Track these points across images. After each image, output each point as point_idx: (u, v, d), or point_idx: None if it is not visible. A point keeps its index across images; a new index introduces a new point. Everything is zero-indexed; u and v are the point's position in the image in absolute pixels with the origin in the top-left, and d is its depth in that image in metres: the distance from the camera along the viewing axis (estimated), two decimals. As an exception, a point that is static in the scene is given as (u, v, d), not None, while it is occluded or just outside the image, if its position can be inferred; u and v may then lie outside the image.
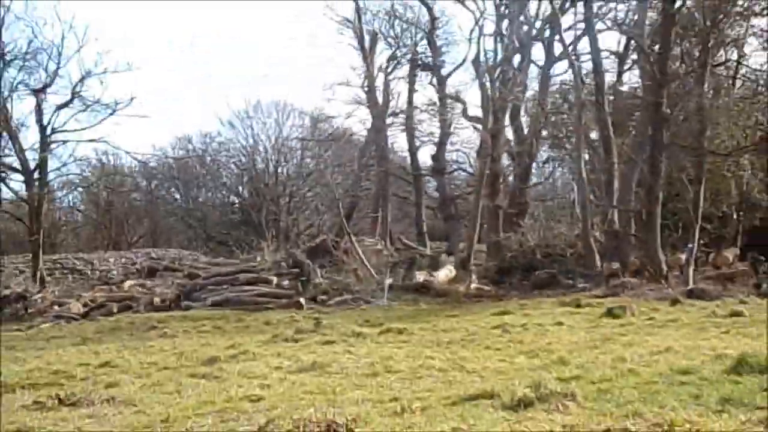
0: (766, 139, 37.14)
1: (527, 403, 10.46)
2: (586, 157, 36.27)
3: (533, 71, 44.19)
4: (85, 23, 48.49)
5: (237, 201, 57.69)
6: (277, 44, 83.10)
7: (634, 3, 36.93)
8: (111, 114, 42.93)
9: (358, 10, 43.79)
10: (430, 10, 43.37)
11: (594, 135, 36.51)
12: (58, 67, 41.90)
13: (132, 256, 45.29)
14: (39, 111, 41.84)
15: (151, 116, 51.73)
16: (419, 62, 46.40)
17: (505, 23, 40.11)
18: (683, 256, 31.82)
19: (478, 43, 40.17)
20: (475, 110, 43.26)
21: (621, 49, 40.19)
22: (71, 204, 58.63)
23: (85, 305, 30.62)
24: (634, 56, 38.53)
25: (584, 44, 37.64)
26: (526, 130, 43.41)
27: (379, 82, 45.76)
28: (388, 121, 46.72)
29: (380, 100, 45.58)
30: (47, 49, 41.73)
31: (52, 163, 44.00)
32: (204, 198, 58.06)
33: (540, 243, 35.83)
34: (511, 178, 43.45)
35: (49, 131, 41.97)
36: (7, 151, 41.89)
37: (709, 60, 34.32)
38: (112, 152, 51.50)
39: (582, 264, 32.90)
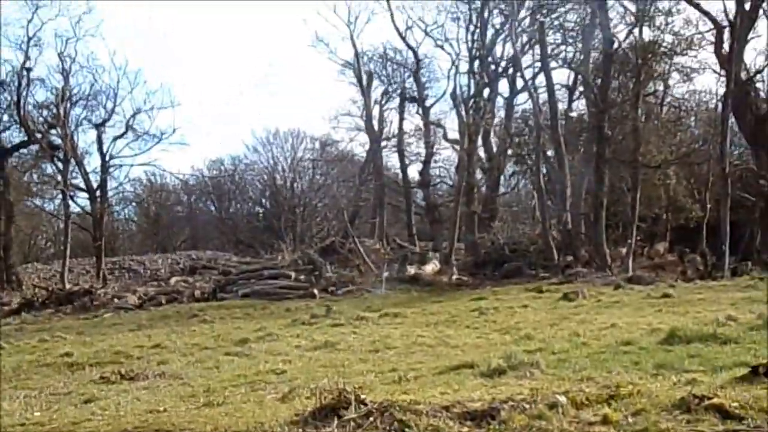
0: (687, 154, 37.28)
1: (501, 371, 10.44)
2: (544, 170, 36.29)
3: (500, 102, 44.33)
4: (136, 69, 48.09)
5: (261, 211, 57.44)
6: (291, 79, 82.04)
7: (580, 45, 37.00)
8: (158, 142, 43.15)
9: (357, 55, 43.79)
10: (415, 53, 43.37)
11: (550, 152, 36.47)
12: (114, 106, 41.98)
13: (176, 257, 45.11)
14: (99, 141, 41.93)
15: (190, 144, 51.53)
16: (407, 96, 46.34)
17: (476, 63, 40.13)
18: (624, 250, 31.87)
19: (455, 79, 40.39)
20: (454, 134, 43.30)
21: (570, 82, 40.20)
22: (126, 216, 58.59)
23: (139, 298, 30.55)
24: (581, 88, 38.51)
25: (541, 79, 37.66)
26: (495, 149, 43.40)
27: (375, 112, 45.77)
28: (383, 144, 46.73)
29: (376, 127, 45.57)
30: (105, 91, 41.83)
31: (110, 184, 44.20)
32: (234, 209, 57.84)
33: (508, 241, 35.85)
34: (483, 189, 43.36)
35: (107, 158, 42.08)
36: (74, 175, 41.95)
37: (641, 91, 34.39)
38: (159, 173, 51.47)
39: (542, 257, 32.83)
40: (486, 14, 39.85)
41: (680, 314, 16.59)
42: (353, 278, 31.68)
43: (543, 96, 36.77)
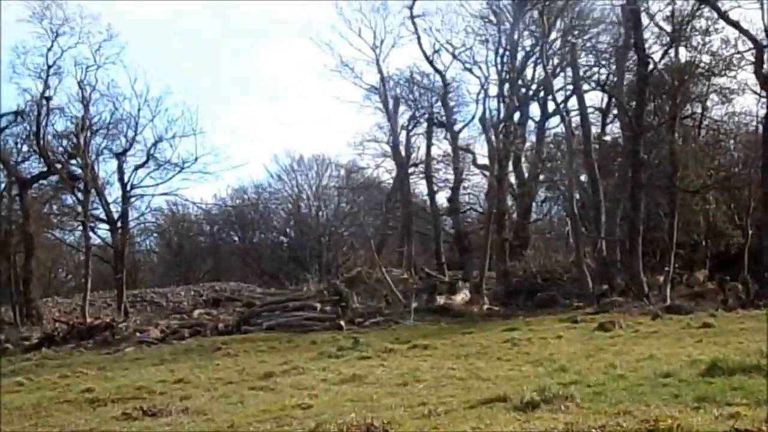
0: (727, 178, 37.11)
1: (534, 405, 10.41)
2: (577, 196, 36.17)
3: (531, 126, 44.35)
4: (157, 96, 48.47)
5: (285, 241, 57.71)
6: (315, 103, 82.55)
7: (614, 67, 37.00)
8: (179, 171, 43.49)
9: (382, 79, 43.95)
10: (443, 77, 43.48)
11: (583, 178, 36.44)
12: (135, 134, 42.43)
13: (199, 289, 45.36)
14: (120, 171, 42.34)
15: (212, 172, 51.70)
16: (435, 121, 46.46)
17: (506, 86, 40.21)
18: (661, 278, 31.71)
19: (484, 103, 40.39)
20: (483, 159, 43.37)
21: (604, 105, 40.23)
22: (148, 247, 59.03)
23: (161, 331, 30.64)
24: (615, 111, 38.51)
25: (573, 102, 37.73)
26: (526, 175, 43.41)
27: (402, 138, 45.90)
28: (410, 170, 46.84)
29: (403, 153, 45.67)
30: (126, 119, 42.30)
31: (131, 214, 44.58)
32: (258, 239, 58.16)
33: (540, 269, 35.76)
34: (514, 216, 43.37)
35: (129, 187, 42.49)
36: (95, 205, 42.32)
37: (677, 113, 34.40)
38: (181, 203, 51.82)
39: (577, 286, 32.77)
40: (516, 36, 39.91)
41: (722, 345, 16.48)
42: (381, 309, 31.65)
43: (575, 119, 36.80)
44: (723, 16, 34.01)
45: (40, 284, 44.82)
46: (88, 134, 41.17)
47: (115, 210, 42.33)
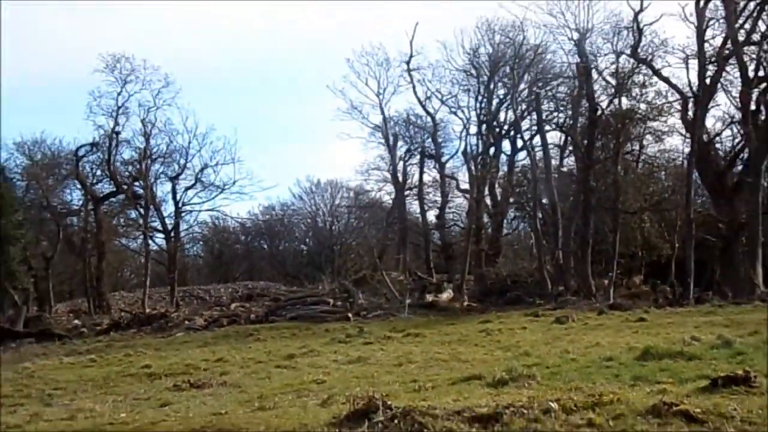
0: (659, 202, 37.21)
1: (503, 382, 10.44)
2: (540, 215, 36.17)
3: (503, 158, 44.31)
4: (203, 131, 48.36)
5: (305, 248, 57.55)
6: (329, 139, 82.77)
7: (570, 112, 37.09)
8: (221, 192, 43.45)
9: (384, 120, 43.94)
10: (433, 118, 43.34)
11: (545, 200, 36.44)
12: (186, 162, 42.34)
13: (235, 287, 45.18)
14: (174, 191, 42.29)
15: (247, 193, 51.76)
16: (426, 153, 46.29)
17: (484, 126, 40.24)
18: (606, 281, 31.69)
19: (466, 140, 40.40)
20: (464, 185, 43.35)
21: (561, 143, 40.20)
22: (195, 253, 58.84)
23: (205, 320, 30.58)
24: (571, 148, 38.51)
25: (537, 140, 37.69)
26: (499, 198, 43.30)
27: (400, 167, 45.75)
28: (406, 193, 46.63)
29: (400, 179, 45.55)
30: (179, 150, 42.17)
31: (182, 226, 44.44)
32: (283, 247, 57.89)
33: (510, 274, 35.63)
34: (489, 230, 43.29)
35: (180, 204, 42.44)
36: (153, 219, 42.41)
37: (620, 150, 34.49)
38: (222, 217, 51.68)
39: (538, 287, 32.67)
40: (491, 86, 39.98)
41: (653, 335, 16.47)
42: (381, 304, 31.56)
43: (539, 154, 36.75)
44: (656, 73, 34.51)
45: (109, 281, 44.73)
46: (149, 162, 41.21)
47: (169, 222, 42.39)
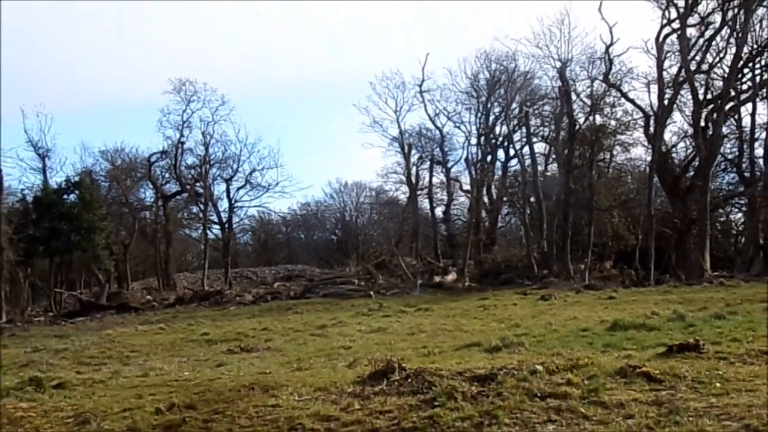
0: (626, 201, 37.05)
1: (497, 348, 10.47)
2: (528, 211, 36.13)
3: (498, 165, 44.09)
4: (253, 141, 48.46)
5: (334, 238, 57.53)
6: (355, 149, 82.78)
7: (553, 127, 36.95)
8: (266, 191, 43.45)
9: (400, 132, 43.75)
10: (440, 131, 43.06)
11: (532, 199, 36.30)
12: (238, 167, 42.30)
13: (278, 269, 45.29)
14: (228, 191, 42.22)
15: (288, 192, 51.87)
16: (435, 160, 46.10)
17: (482, 138, 40.11)
18: (582, 266, 31.59)
19: (467, 149, 40.26)
20: (466, 186, 43.16)
21: (546, 152, 40.05)
22: (245, 241, 59.02)
23: (253, 296, 30.69)
24: (554, 156, 38.36)
25: (526, 150, 37.45)
26: (495, 197, 43.14)
27: (413, 171, 45.59)
28: (418, 193, 46.49)
29: (413, 181, 45.47)
30: (232, 157, 42.25)
31: (234, 219, 44.46)
32: (317, 236, 57.90)
33: (503, 259, 35.53)
34: (487, 223, 43.14)
35: (233, 201, 42.46)
36: (211, 213, 42.56)
37: (594, 158, 34.43)
38: (267, 212, 51.75)
39: (527, 271, 32.64)
40: (489, 105, 39.75)
41: (621, 310, 16.43)
42: (397, 284, 31.60)
43: (528, 161, 36.65)
44: (624, 95, 34.80)
45: (175, 264, 44.88)
46: (208, 166, 41.37)
47: (224, 216, 42.51)
